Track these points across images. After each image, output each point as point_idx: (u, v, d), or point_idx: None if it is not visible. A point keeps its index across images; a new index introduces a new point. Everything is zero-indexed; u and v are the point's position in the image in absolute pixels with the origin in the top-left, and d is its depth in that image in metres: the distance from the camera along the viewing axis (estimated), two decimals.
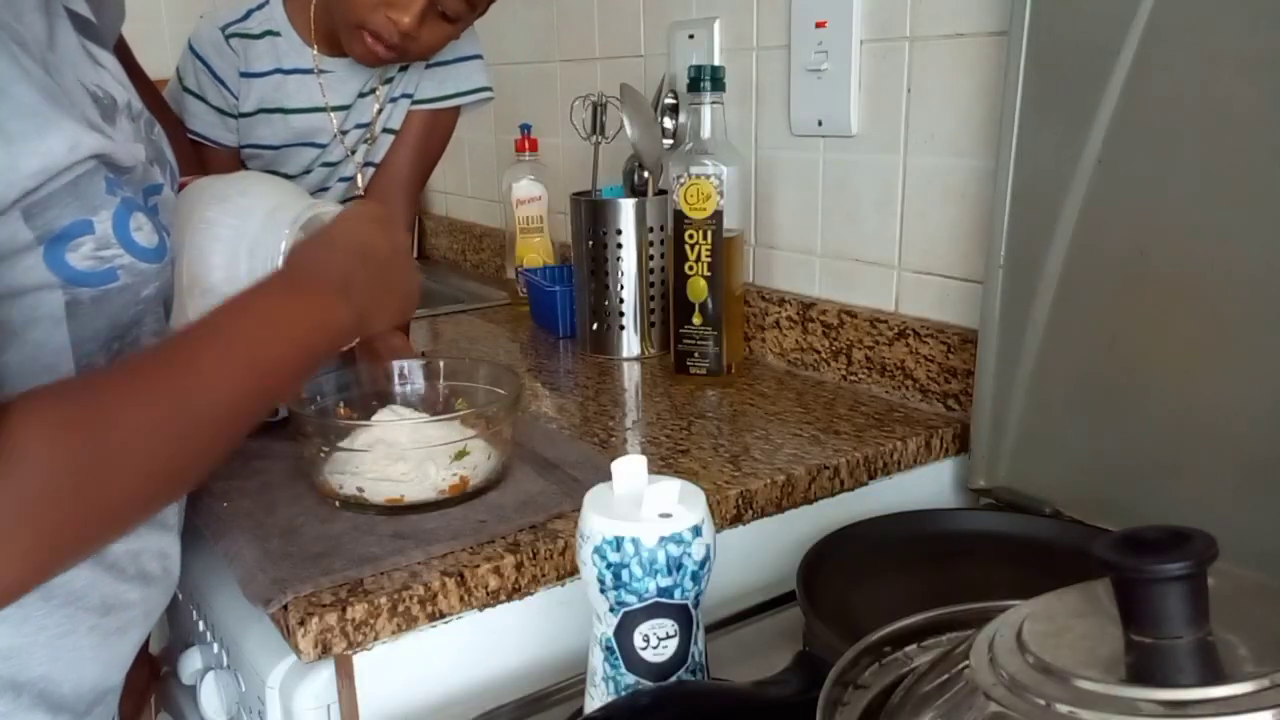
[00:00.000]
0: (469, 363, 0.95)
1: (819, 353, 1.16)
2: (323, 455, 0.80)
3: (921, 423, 0.99)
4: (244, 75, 1.09)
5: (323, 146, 1.12)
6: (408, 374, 0.92)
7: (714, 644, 0.78)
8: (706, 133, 1.10)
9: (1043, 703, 0.37)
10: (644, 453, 0.92)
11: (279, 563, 0.71)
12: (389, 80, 1.12)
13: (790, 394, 1.10)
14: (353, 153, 1.13)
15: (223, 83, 1.09)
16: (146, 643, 1.06)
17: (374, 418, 0.84)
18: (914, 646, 0.54)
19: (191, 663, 0.85)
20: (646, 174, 1.22)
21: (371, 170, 1.15)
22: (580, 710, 0.61)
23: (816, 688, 0.50)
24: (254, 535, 0.76)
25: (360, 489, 0.79)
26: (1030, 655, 0.40)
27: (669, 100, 1.25)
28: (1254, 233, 0.71)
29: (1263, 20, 0.69)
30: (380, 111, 1.12)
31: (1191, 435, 0.76)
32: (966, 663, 0.42)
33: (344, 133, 1.12)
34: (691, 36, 1.27)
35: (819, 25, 1.09)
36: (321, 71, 1.10)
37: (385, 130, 1.14)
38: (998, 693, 0.39)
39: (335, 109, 1.10)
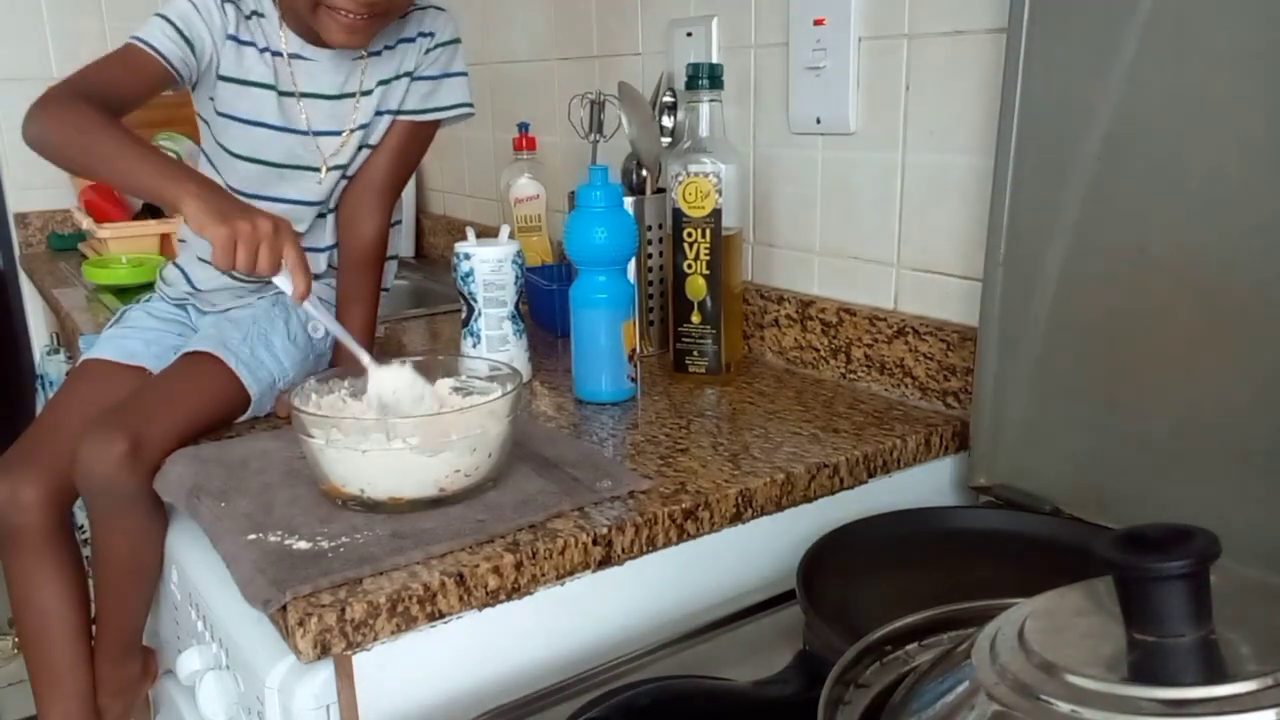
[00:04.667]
0: (468, 361, 0.95)
1: (818, 351, 1.16)
2: (322, 454, 0.79)
3: (921, 421, 0.99)
4: (231, 38, 1.07)
5: (303, 134, 1.11)
6: None
7: (714, 644, 0.78)
8: (705, 131, 1.10)
9: (1045, 701, 0.37)
10: (643, 452, 0.92)
11: (278, 563, 0.71)
12: (368, 93, 1.10)
13: (789, 392, 1.10)
14: (336, 169, 1.11)
15: (207, 25, 1.05)
16: (141, 637, 1.06)
17: (371, 379, 0.86)
18: (915, 645, 0.54)
19: (190, 663, 0.85)
20: (645, 172, 1.22)
21: (344, 182, 1.14)
22: (581, 710, 0.61)
23: (817, 687, 0.50)
24: (253, 535, 0.76)
25: (360, 488, 0.79)
26: (1032, 654, 0.40)
27: (667, 98, 1.25)
28: (1253, 229, 0.71)
29: (1262, 16, 0.69)
30: (364, 128, 1.10)
31: (1192, 432, 0.75)
32: (968, 661, 0.42)
33: (317, 134, 1.10)
34: (690, 34, 1.27)
35: (817, 23, 1.09)
36: (295, 57, 1.09)
37: (365, 146, 1.12)
38: (1000, 691, 0.39)
39: (306, 96, 1.09)
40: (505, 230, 1.17)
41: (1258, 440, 0.72)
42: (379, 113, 1.12)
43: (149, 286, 1.23)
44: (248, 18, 1.08)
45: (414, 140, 1.15)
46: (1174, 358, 0.76)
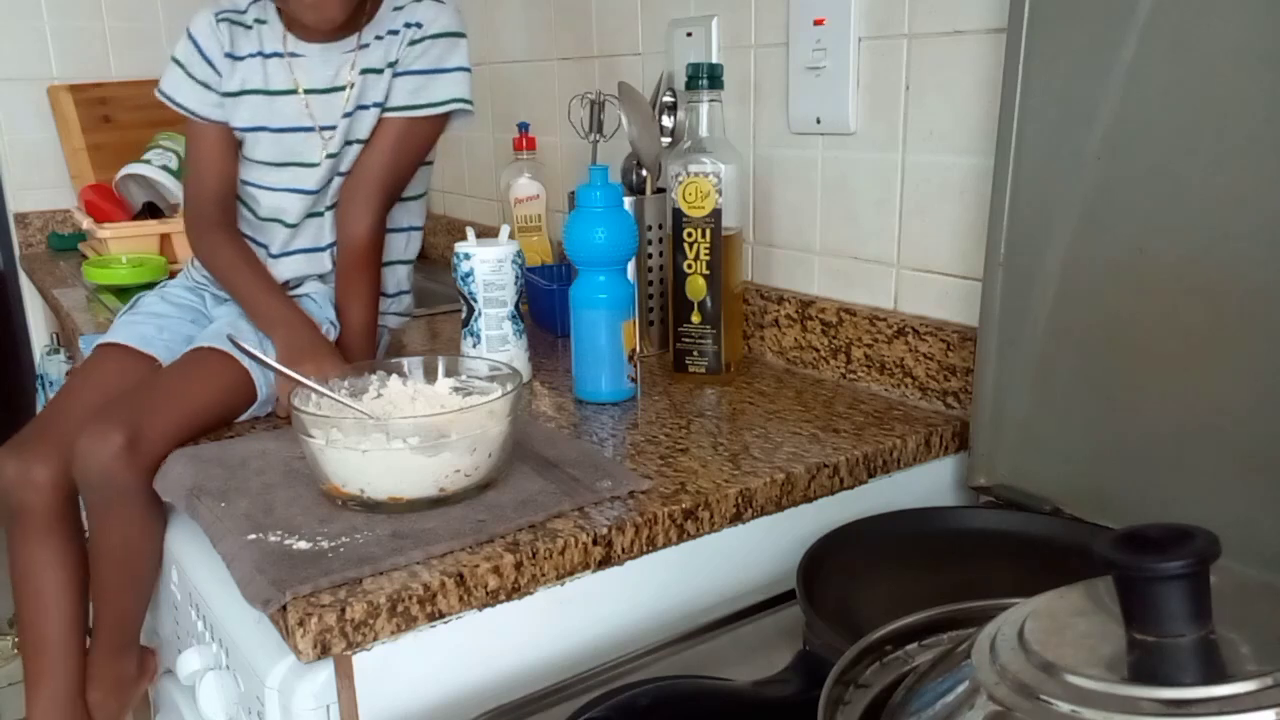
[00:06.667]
0: (468, 361, 0.95)
1: (818, 351, 1.16)
2: (322, 454, 0.79)
3: (921, 420, 0.99)
4: (228, 56, 1.13)
5: (308, 130, 1.12)
6: (408, 371, 0.92)
7: (714, 644, 0.78)
8: (705, 131, 1.10)
9: (1045, 701, 0.37)
10: (643, 452, 0.92)
11: (278, 563, 0.71)
12: (351, 85, 1.11)
13: (789, 392, 1.10)
14: (330, 158, 1.12)
15: (209, 61, 1.13)
16: (138, 635, 1.06)
17: (369, 395, 0.86)
18: (915, 645, 0.54)
19: (190, 663, 0.85)
20: (645, 172, 1.22)
21: (340, 179, 1.15)
22: (581, 710, 0.61)
23: (817, 687, 0.50)
24: (253, 535, 0.76)
25: (360, 488, 0.79)
26: (1032, 654, 0.40)
27: (667, 98, 1.25)
28: (1253, 228, 0.71)
29: (1263, 15, 0.69)
30: (349, 115, 1.12)
31: (1192, 432, 0.75)
32: (968, 661, 0.42)
33: (324, 129, 1.12)
34: (690, 34, 1.27)
35: (817, 22, 1.09)
36: (293, 55, 1.12)
37: (353, 141, 1.13)
38: (1000, 691, 0.39)
39: (309, 92, 1.12)
40: (505, 230, 1.17)
41: (1258, 440, 0.72)
42: (362, 106, 1.12)
43: (149, 286, 1.24)
44: (249, 28, 1.13)
45: (407, 138, 1.14)
46: (1174, 358, 0.76)
